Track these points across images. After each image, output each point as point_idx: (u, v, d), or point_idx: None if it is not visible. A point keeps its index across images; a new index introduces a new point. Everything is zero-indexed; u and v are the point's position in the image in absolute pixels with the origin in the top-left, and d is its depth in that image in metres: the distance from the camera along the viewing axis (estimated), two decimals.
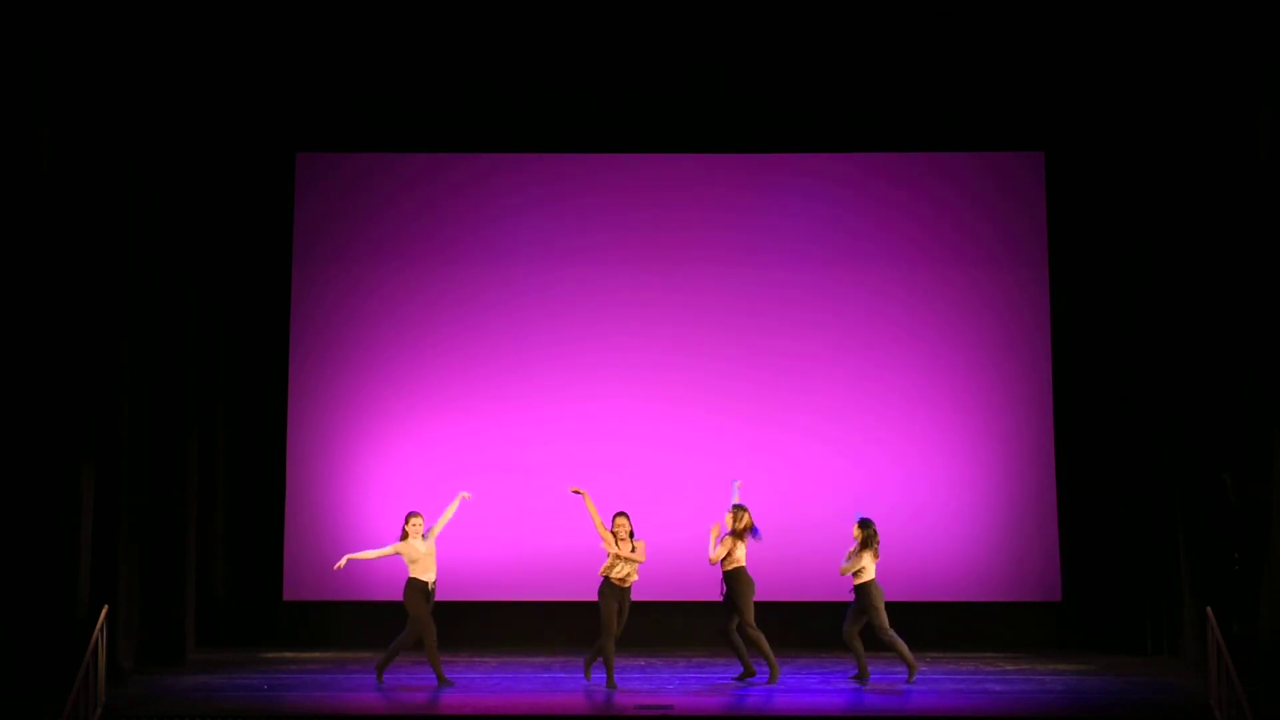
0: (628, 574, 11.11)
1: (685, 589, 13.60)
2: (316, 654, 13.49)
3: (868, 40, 13.36)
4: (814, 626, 14.01)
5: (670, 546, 13.28)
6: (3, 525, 10.57)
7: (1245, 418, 11.88)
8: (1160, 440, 13.36)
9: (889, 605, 11.52)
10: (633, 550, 11.10)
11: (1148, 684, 11.55)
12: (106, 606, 10.62)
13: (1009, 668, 12.53)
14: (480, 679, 11.71)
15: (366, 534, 14.46)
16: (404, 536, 11.39)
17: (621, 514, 11.26)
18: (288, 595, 14.49)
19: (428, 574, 11.32)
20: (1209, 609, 10.48)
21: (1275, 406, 11.21)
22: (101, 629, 10.20)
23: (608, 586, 11.13)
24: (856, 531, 11.52)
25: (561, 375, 14.74)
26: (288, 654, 13.49)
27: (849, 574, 11.50)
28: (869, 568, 11.46)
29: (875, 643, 11.52)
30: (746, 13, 13.04)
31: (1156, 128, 13.33)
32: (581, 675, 11.60)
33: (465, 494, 11.78)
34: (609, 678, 11.05)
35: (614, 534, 11.14)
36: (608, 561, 11.13)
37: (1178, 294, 13.02)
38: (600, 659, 11.26)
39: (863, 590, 11.45)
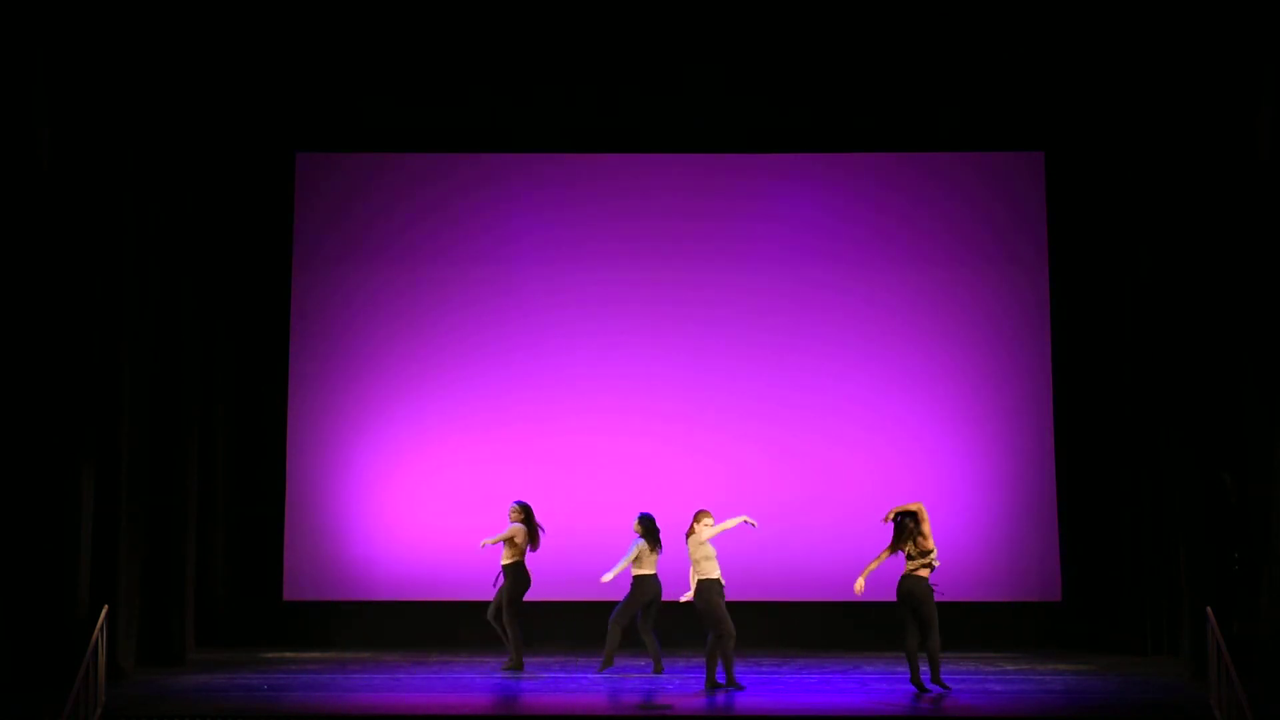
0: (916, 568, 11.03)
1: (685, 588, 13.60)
2: (316, 654, 13.48)
3: (867, 40, 13.37)
4: (813, 627, 14.06)
5: (670, 547, 13.25)
6: (3, 525, 10.57)
7: (1245, 418, 11.86)
8: (1160, 440, 13.35)
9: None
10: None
11: (1148, 684, 11.54)
12: (106, 606, 10.61)
13: (1009, 668, 12.53)
14: (480, 679, 11.72)
15: (367, 534, 14.50)
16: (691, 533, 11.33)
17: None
18: (288, 595, 14.49)
19: (713, 572, 11.17)
20: (1209, 609, 10.47)
21: (1275, 406, 11.19)
22: (101, 629, 10.18)
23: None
24: (637, 526, 11.99)
25: (562, 374, 14.74)
26: (288, 654, 13.48)
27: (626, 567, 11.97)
28: (644, 561, 11.92)
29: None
30: (746, 13, 13.04)
31: (1157, 127, 13.31)
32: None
33: (752, 522, 11.25)
34: None
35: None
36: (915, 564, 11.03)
37: (1178, 294, 13.00)
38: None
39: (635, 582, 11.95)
